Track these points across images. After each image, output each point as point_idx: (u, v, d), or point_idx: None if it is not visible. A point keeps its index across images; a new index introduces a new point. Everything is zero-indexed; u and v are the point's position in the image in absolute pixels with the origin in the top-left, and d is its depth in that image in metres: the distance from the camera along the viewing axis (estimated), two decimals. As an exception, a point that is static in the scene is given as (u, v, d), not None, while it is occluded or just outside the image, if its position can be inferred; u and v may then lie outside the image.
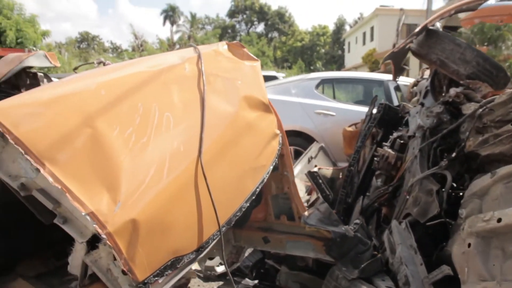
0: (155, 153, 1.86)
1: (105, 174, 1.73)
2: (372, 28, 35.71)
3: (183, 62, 2.21)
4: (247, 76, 2.43)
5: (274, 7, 59.22)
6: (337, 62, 52.53)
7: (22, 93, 2.00)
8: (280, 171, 2.79)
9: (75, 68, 2.98)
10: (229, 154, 2.16)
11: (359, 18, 51.77)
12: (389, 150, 3.71)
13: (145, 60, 2.26)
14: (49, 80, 3.10)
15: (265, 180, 2.42)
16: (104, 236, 1.64)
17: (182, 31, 52.42)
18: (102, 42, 55.78)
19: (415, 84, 4.87)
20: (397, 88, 6.46)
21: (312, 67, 49.43)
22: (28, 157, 1.65)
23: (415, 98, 4.63)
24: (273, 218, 3.02)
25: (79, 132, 1.76)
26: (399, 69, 4.53)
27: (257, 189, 2.35)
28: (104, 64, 2.52)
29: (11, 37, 22.35)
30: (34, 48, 21.05)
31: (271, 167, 2.48)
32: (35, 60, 2.89)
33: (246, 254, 3.65)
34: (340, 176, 4.94)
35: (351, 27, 50.82)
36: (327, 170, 4.87)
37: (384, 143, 3.92)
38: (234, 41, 2.55)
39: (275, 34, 58.78)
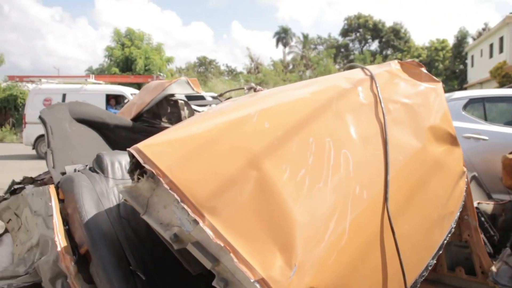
0: (334, 201, 1.47)
1: (276, 229, 1.38)
2: (501, 39, 32.70)
3: (354, 87, 1.82)
4: (430, 101, 1.97)
5: (388, 24, 57.24)
6: (458, 77, 49.05)
7: (173, 127, 1.75)
8: (460, 214, 2.27)
9: (221, 95, 2.75)
10: (416, 199, 1.71)
11: (483, 29, 48.07)
12: None
13: (305, 85, 1.91)
14: (189, 107, 2.91)
15: (453, 230, 1.92)
16: (277, 308, 1.29)
17: (295, 52, 52.72)
18: (218, 66, 58.16)
19: None
20: None
21: (431, 84, 46.70)
22: (185, 206, 1.37)
23: None
24: (446, 269, 2.48)
25: (244, 175, 1.44)
26: None
27: (445, 242, 1.86)
28: (255, 90, 2.22)
29: (140, 65, 24.13)
30: (161, 74, 22.39)
31: (459, 213, 1.98)
32: (177, 87, 2.71)
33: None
34: (503, 212, 4.20)
35: (474, 39, 47.25)
36: (487, 205, 4.16)
37: None
38: (409, 60, 2.11)
39: (390, 51, 56.79)
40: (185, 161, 1.47)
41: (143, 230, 1.99)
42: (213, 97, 2.83)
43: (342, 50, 57.24)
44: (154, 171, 1.43)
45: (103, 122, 2.56)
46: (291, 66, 41.52)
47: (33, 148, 13.70)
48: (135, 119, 2.74)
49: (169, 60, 27.00)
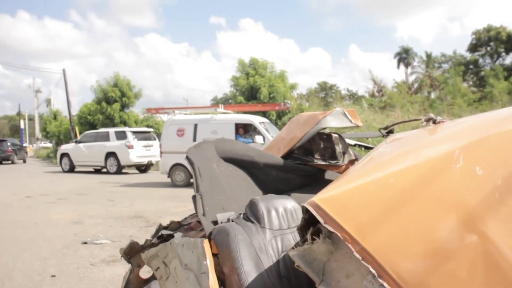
0: None
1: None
2: None
3: None
4: None
5: (526, 33, 52.05)
6: None
7: (350, 173, 1.44)
8: None
9: (386, 128, 2.39)
10: None
11: None
12: None
13: (507, 115, 1.47)
14: (343, 142, 2.59)
15: None
16: None
17: (418, 72, 50.21)
18: (339, 90, 57.73)
19: None
20: None
21: None
22: (385, 283, 1.03)
23: None
24: None
25: (460, 242, 1.06)
26: None
27: None
28: (434, 122, 1.82)
29: (265, 93, 24.65)
30: (288, 102, 22.60)
31: None
32: (333, 120, 2.40)
33: None
34: None
35: None
36: None
37: None
38: None
39: (527, 64, 51.35)
40: (377, 220, 1.14)
41: (307, 292, 1.69)
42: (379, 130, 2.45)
43: (471, 66, 53.26)
44: (340, 235, 1.12)
45: (252, 161, 2.34)
46: (415, 87, 39.55)
47: (168, 177, 14.45)
48: (285, 156, 2.49)
49: (293, 86, 27.20)
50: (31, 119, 51.31)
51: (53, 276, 4.90)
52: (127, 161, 19.39)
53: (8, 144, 30.21)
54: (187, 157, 2.23)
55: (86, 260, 5.46)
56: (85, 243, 6.35)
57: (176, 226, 2.41)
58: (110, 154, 19.60)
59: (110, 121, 29.35)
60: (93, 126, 29.91)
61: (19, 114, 58.15)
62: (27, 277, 4.90)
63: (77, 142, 21.77)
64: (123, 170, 20.15)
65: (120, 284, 2.52)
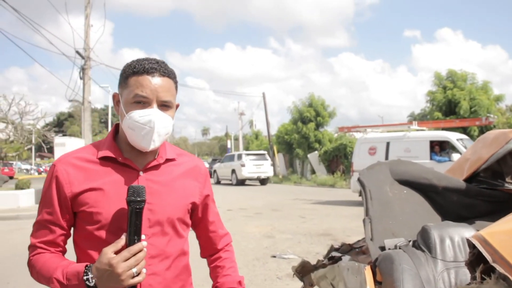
0: None
1: None
2: None
3: None
4: None
5: None
6: None
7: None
8: None
9: None
10: None
11: None
12: None
13: None
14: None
15: None
16: None
17: None
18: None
19: None
20: None
21: None
22: None
23: None
24: None
25: None
26: None
27: None
28: None
29: (465, 107, 22.64)
30: (491, 116, 20.42)
31: None
32: (526, 137, 2.06)
33: None
34: None
35: None
36: None
37: None
38: None
39: None
40: None
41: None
42: None
43: None
44: (510, 277, 0.96)
45: (429, 184, 2.15)
46: None
47: (360, 195, 14.25)
48: (469, 179, 2.23)
49: (499, 98, 24.39)
50: (236, 139, 56.30)
51: (243, 285, 5.27)
52: (241, 176, 25.92)
53: None
54: (358, 179, 2.18)
55: (273, 273, 5.73)
56: (274, 256, 6.67)
57: (347, 248, 2.35)
58: (233, 171, 26.68)
59: (305, 140, 30.41)
60: (289, 145, 31.44)
61: (226, 134, 64.60)
62: (221, 284, 5.36)
63: (221, 162, 30.13)
64: (247, 182, 27.11)
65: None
